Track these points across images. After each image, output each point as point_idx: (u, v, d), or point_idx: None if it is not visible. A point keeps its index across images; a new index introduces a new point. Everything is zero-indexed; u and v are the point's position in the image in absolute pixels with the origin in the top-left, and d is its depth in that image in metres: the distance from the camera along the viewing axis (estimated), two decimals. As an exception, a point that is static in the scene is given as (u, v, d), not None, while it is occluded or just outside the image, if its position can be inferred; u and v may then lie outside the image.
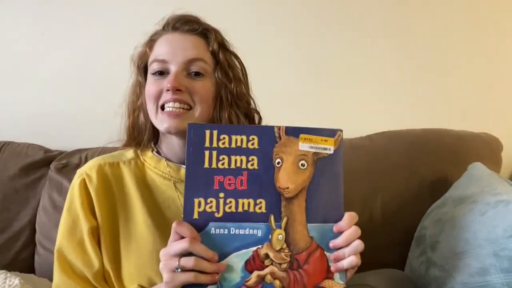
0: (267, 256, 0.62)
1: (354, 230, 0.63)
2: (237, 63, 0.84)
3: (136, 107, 0.84)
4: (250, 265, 0.62)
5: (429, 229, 0.99)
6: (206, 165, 0.63)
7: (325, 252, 0.63)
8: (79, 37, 1.45)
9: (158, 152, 0.85)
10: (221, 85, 0.79)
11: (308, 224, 0.63)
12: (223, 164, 0.63)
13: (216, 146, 0.63)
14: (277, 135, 0.64)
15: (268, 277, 0.62)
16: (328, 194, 0.65)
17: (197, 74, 0.77)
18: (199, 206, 0.62)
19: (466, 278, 0.82)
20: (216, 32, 0.82)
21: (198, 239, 0.60)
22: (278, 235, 0.63)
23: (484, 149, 1.29)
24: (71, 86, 1.46)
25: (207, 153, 0.63)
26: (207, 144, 0.63)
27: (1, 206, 1.22)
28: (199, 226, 0.61)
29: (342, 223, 0.63)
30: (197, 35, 0.80)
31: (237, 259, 0.62)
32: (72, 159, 1.29)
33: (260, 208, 0.63)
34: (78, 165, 1.26)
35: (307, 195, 0.64)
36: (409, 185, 1.23)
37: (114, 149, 0.91)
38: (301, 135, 0.65)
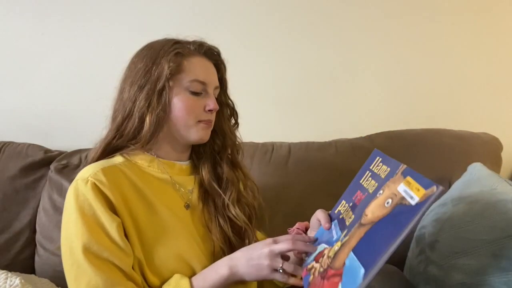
0: (323, 256, 0.71)
1: None
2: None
3: (154, 111, 0.84)
4: (318, 256, 0.74)
5: (428, 228, 0.98)
6: (362, 180, 0.76)
7: (340, 284, 0.61)
8: (79, 37, 1.45)
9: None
10: (222, 103, 0.96)
11: (351, 252, 0.63)
12: (366, 183, 0.75)
13: (373, 169, 0.76)
14: (397, 171, 0.67)
15: (313, 271, 0.72)
16: (380, 240, 0.60)
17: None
18: (340, 205, 0.79)
19: (465, 277, 0.82)
20: (222, 62, 0.96)
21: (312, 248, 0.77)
22: (337, 246, 0.69)
23: (484, 149, 1.29)
24: (71, 86, 1.46)
25: (368, 173, 0.76)
26: (372, 166, 0.76)
27: (1, 206, 1.23)
28: (331, 217, 0.79)
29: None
30: (213, 64, 0.93)
31: (319, 249, 0.75)
32: (72, 160, 1.29)
33: (349, 220, 0.72)
34: (78, 166, 1.26)
35: (370, 229, 0.63)
36: (409, 185, 1.23)
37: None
38: (408, 178, 0.63)
